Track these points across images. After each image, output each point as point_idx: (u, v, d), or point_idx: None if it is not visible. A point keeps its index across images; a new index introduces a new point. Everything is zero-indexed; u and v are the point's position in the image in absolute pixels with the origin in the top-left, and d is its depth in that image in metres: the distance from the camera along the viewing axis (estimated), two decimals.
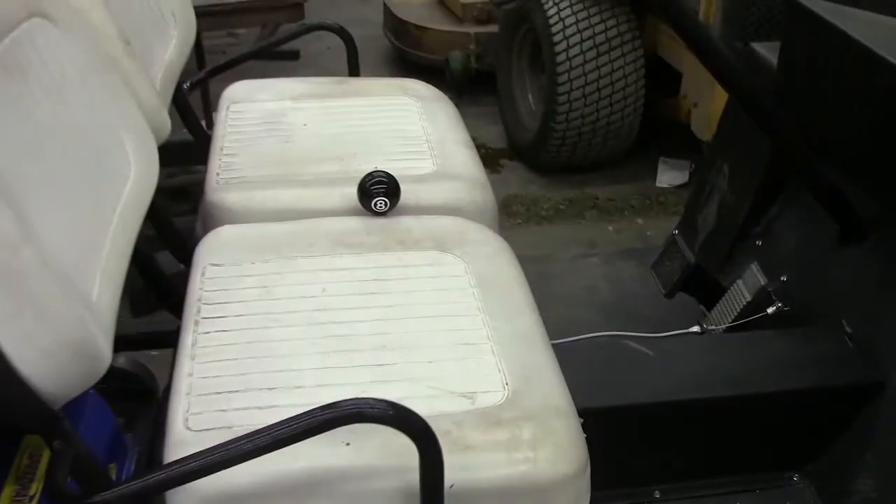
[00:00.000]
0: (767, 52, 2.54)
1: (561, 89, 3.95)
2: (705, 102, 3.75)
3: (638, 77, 4.05)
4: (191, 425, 1.33)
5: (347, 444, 1.28)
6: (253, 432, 1.18)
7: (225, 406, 1.36)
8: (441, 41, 4.83)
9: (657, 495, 2.10)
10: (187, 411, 1.36)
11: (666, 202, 4.11)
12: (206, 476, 1.19)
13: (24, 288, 1.10)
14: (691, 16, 2.24)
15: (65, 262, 1.20)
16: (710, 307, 2.52)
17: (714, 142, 2.86)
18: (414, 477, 1.24)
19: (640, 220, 4.00)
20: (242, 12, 3.86)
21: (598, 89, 3.98)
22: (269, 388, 1.39)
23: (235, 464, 1.18)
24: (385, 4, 5.31)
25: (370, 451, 1.28)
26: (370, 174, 1.81)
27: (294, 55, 5.13)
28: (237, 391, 1.39)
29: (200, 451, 1.20)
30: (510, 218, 3.92)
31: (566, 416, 1.39)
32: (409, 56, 5.03)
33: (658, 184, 4.30)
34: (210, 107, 3.36)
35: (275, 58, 4.70)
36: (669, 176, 4.31)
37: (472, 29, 4.81)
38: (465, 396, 1.38)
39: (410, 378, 1.41)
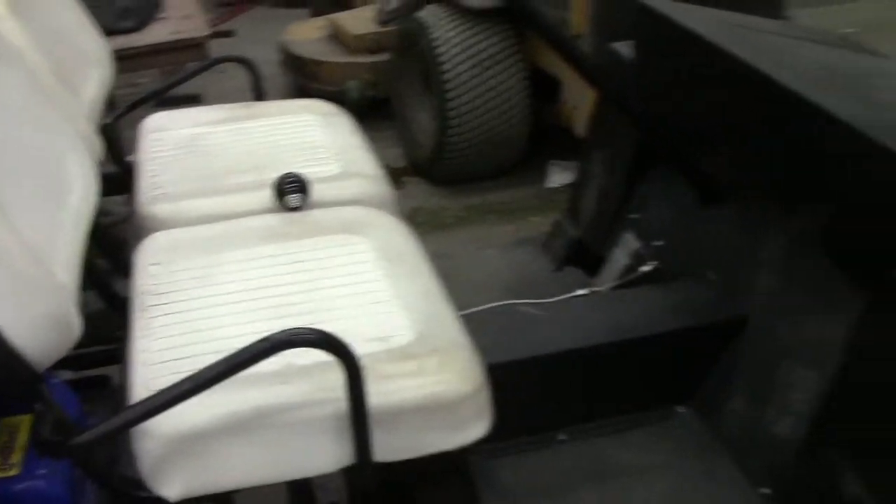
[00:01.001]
0: (626, 50, 2.86)
1: (451, 105, 4.24)
2: (584, 105, 4.05)
3: (522, 88, 4.34)
4: (150, 387, 1.55)
5: (285, 383, 1.53)
6: (201, 370, 1.42)
7: (179, 369, 1.59)
8: (337, 73, 5.09)
9: (562, 438, 2.36)
10: (146, 377, 1.59)
11: (559, 200, 4.38)
12: (165, 410, 1.41)
13: (11, 267, 1.34)
14: (558, 27, 2.54)
15: (36, 250, 1.45)
16: (595, 275, 2.82)
17: (589, 135, 3.17)
18: (344, 405, 1.50)
19: (536, 219, 4.29)
20: (146, 55, 4.06)
21: (486, 102, 4.27)
22: (215, 353, 1.61)
23: (190, 396, 1.40)
24: (281, 43, 5.55)
25: (306, 388, 1.53)
26: (283, 176, 2.06)
27: (195, 98, 5.34)
28: (188, 357, 1.62)
29: (157, 393, 1.42)
30: (415, 228, 4.18)
31: (464, 348, 1.66)
32: (308, 90, 5.27)
33: (550, 185, 4.61)
34: (121, 143, 3.57)
35: (176, 103, 4.89)
36: (560, 177, 4.61)
37: (366, 58, 5.06)
38: (379, 340, 1.64)
39: (332, 332, 1.67)
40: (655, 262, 2.65)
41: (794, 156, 2.22)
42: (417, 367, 1.59)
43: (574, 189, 3.16)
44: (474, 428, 1.62)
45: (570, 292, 2.65)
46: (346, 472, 1.57)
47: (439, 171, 4.55)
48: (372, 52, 5.07)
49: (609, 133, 2.99)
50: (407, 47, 4.62)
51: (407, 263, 1.91)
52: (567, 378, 2.34)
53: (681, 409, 2.44)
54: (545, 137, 4.61)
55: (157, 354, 1.64)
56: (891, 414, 1.93)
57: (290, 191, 2.05)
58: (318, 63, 5.17)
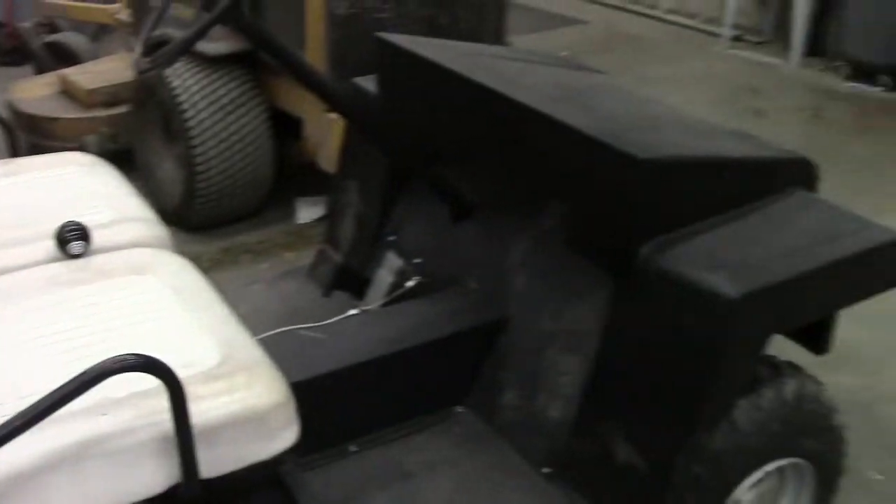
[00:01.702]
0: (368, 84, 3.07)
1: (197, 151, 4.30)
2: (327, 140, 4.22)
3: (265, 129, 4.46)
4: None
5: (105, 414, 1.61)
6: (26, 408, 1.46)
7: None
8: (74, 129, 5.00)
9: (353, 449, 2.51)
10: None
11: (310, 235, 4.56)
12: None
13: None
14: (310, 66, 2.70)
15: None
16: (362, 297, 3.00)
17: (340, 166, 3.34)
18: (165, 427, 1.60)
19: (289, 255, 4.43)
20: None
21: (231, 146, 4.35)
22: (21, 398, 1.59)
23: (19, 434, 1.44)
24: (7, 102, 5.39)
25: (127, 416, 1.61)
26: (63, 225, 2.11)
27: None
28: None
29: None
30: None
31: (266, 365, 1.81)
32: (43, 148, 5.14)
33: (299, 221, 4.75)
34: None
35: None
36: (308, 212, 4.76)
37: (103, 112, 5.03)
38: (187, 366, 1.73)
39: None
40: (419, 278, 2.85)
41: (532, 165, 2.48)
42: (228, 385, 1.71)
43: (331, 218, 3.32)
44: (285, 436, 1.76)
45: (341, 315, 2.80)
46: (172, 491, 1.66)
47: (190, 218, 4.59)
48: (108, 105, 5.05)
49: (361, 162, 3.18)
50: (146, 98, 4.65)
51: (199, 295, 2.02)
52: (350, 393, 2.49)
53: (459, 409, 2.64)
54: (291, 176, 4.76)
55: None
56: (647, 382, 2.20)
57: (72, 238, 2.10)
58: (53, 120, 5.08)
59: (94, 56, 5.97)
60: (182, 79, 4.31)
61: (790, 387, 2.35)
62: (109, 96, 5.05)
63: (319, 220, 4.72)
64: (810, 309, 2.26)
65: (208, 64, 4.34)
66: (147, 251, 2.19)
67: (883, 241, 2.29)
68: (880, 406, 3.48)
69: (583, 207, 2.35)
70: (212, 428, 1.65)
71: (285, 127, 4.54)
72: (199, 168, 4.34)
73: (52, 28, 6.56)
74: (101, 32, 6.98)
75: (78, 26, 6.68)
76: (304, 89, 3.99)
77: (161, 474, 1.63)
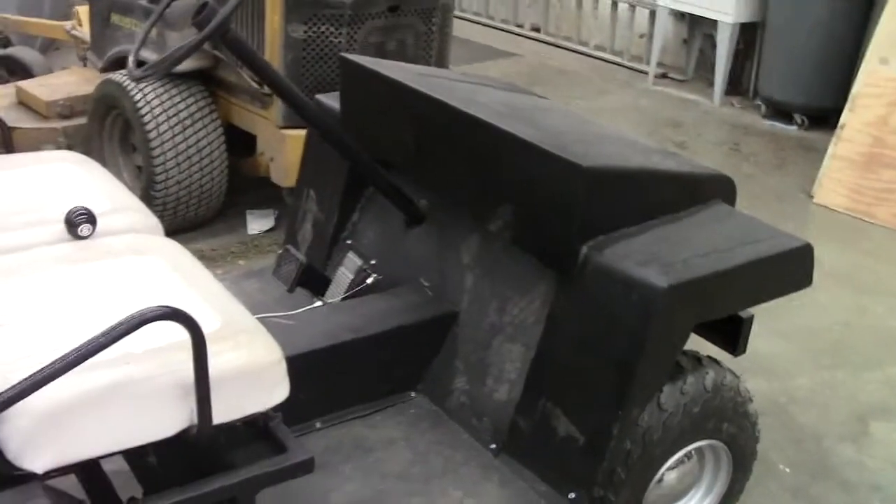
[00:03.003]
0: (330, 100, 3.35)
1: (157, 162, 4.54)
2: (280, 155, 4.50)
3: (219, 143, 4.70)
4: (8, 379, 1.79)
5: (130, 363, 1.86)
6: (65, 354, 1.69)
7: (28, 365, 1.82)
8: (31, 138, 5.17)
9: (318, 426, 2.77)
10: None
11: (260, 245, 4.83)
12: (44, 385, 1.68)
13: None
14: (286, 81, 2.94)
15: None
16: (324, 293, 3.26)
17: (300, 175, 3.61)
18: (182, 376, 1.85)
19: (242, 262, 4.67)
20: None
21: (188, 158, 4.59)
22: (54, 350, 1.83)
23: (60, 375, 1.68)
24: None
25: (148, 366, 1.86)
26: (72, 209, 2.34)
27: None
28: (32, 355, 1.87)
29: (34, 373, 1.68)
30: None
31: (261, 329, 2.08)
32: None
33: (250, 232, 4.99)
34: None
35: None
36: (258, 224, 5.02)
37: (60, 124, 5.22)
38: None
39: None
40: (377, 276, 3.13)
41: (482, 173, 2.77)
42: (233, 343, 1.98)
43: (292, 222, 3.58)
44: (279, 391, 2.03)
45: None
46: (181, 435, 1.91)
47: None
48: (65, 117, 5.24)
49: (320, 172, 3.45)
50: (106, 110, 4.87)
51: (195, 273, 2.29)
52: (317, 374, 2.74)
53: (413, 394, 2.91)
54: (244, 188, 5.04)
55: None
56: (584, 364, 2.49)
57: (81, 222, 2.33)
58: (10, 129, 5.24)
59: (47, 69, 6.16)
60: (143, 93, 4.54)
61: (710, 376, 2.67)
62: (66, 108, 5.24)
63: (269, 231, 4.99)
64: (728, 302, 2.58)
65: (169, 80, 4.58)
66: (145, 236, 2.44)
67: (792, 247, 2.63)
68: (791, 408, 3.84)
69: (529, 211, 2.64)
70: (221, 379, 1.90)
71: (238, 142, 4.80)
72: (158, 178, 4.56)
73: (5, 42, 6.73)
74: (48, 46, 7.17)
75: (25, 40, 6.86)
76: (259, 108, 4.32)
77: (176, 418, 1.89)
